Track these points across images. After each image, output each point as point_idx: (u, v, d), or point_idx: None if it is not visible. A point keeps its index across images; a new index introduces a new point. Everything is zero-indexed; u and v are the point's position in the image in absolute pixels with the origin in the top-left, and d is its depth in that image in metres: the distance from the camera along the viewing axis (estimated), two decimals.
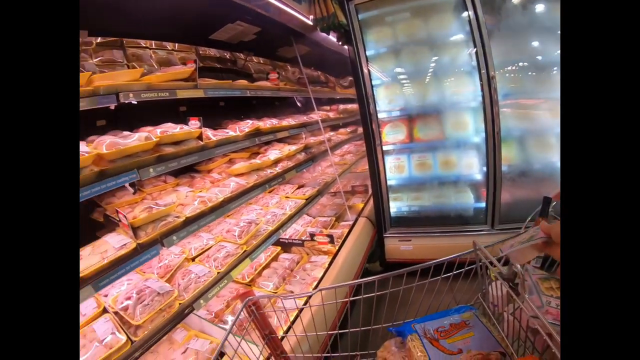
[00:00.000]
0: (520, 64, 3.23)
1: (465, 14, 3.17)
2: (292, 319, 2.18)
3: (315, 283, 2.77)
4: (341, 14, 3.37)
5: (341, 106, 5.99)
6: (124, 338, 1.71)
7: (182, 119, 2.31)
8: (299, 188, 3.85)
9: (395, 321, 1.30)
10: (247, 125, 2.82)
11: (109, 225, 2.04)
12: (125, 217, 1.74)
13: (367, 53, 3.52)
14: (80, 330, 1.84)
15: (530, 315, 0.86)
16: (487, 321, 1.15)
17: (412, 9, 3.44)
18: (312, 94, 3.96)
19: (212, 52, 3.75)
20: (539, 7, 3.03)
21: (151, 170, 1.85)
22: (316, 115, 4.05)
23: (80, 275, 1.53)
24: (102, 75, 1.82)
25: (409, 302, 1.33)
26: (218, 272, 2.22)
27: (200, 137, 2.25)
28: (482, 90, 3.22)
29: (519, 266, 0.88)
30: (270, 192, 3.80)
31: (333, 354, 1.38)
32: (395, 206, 3.97)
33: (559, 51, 2.97)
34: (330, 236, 3.14)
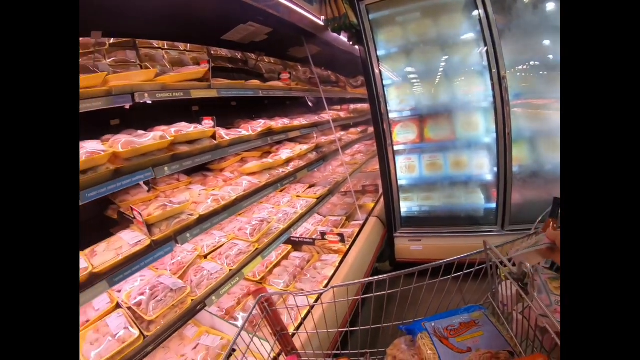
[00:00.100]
0: (532, 63, 3.20)
1: (475, 13, 3.16)
2: (303, 315, 2.20)
3: (325, 282, 2.79)
4: (352, 15, 3.38)
5: (352, 106, 6.00)
6: (136, 333, 1.74)
7: (194, 119, 2.34)
8: (310, 187, 3.87)
9: (405, 320, 1.31)
10: (259, 125, 2.85)
11: (123, 222, 2.08)
12: (140, 214, 1.77)
13: (378, 53, 3.53)
14: (94, 325, 1.88)
15: (539, 313, 0.87)
16: (496, 321, 1.16)
17: (423, 9, 3.44)
18: (324, 93, 3.97)
19: (224, 52, 3.78)
20: (550, 6, 3.00)
21: (166, 168, 1.88)
22: (327, 115, 4.07)
23: (95, 270, 1.57)
24: (118, 76, 1.86)
25: (419, 301, 1.34)
26: (230, 270, 2.24)
27: (214, 137, 2.28)
28: (493, 90, 3.21)
29: (528, 265, 0.89)
30: (281, 191, 3.82)
31: (343, 352, 1.39)
32: (406, 206, 3.97)
33: None
34: (341, 235, 3.16)
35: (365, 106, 5.50)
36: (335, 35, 3.85)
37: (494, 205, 3.57)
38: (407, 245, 3.85)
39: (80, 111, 1.54)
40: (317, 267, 3.06)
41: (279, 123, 3.16)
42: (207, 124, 2.28)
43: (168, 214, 1.93)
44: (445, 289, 1.31)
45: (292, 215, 3.03)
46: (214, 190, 2.48)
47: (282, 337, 1.39)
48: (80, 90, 1.56)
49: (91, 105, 1.60)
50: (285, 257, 3.24)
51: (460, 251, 1.21)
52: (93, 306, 2.04)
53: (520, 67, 3.24)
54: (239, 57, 3.92)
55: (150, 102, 1.93)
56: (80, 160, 1.51)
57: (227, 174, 2.85)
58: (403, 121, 3.77)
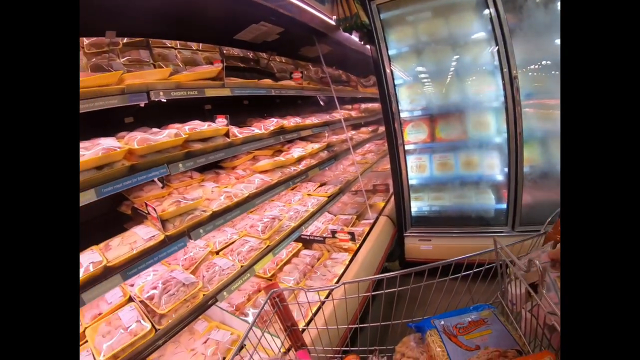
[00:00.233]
0: (543, 62, 3.17)
1: (486, 12, 3.15)
2: (313, 311, 2.22)
3: (335, 279, 2.81)
4: (363, 14, 3.39)
5: (363, 105, 5.99)
6: (148, 326, 1.78)
7: (207, 117, 2.37)
8: (321, 186, 3.88)
9: (414, 318, 1.32)
10: (272, 124, 2.87)
11: (137, 217, 2.11)
12: (154, 209, 1.80)
13: (389, 52, 3.54)
14: (106, 318, 1.93)
15: (548, 311, 0.88)
16: (505, 320, 1.16)
17: (434, 8, 3.43)
18: (335, 93, 3.98)
19: (236, 51, 3.80)
20: None
21: (180, 165, 1.91)
22: (338, 114, 4.08)
23: (110, 264, 1.61)
24: (133, 74, 1.89)
25: (428, 300, 1.35)
26: (242, 266, 2.27)
27: (227, 135, 2.31)
28: (505, 89, 3.20)
29: (537, 263, 0.90)
30: (292, 189, 3.85)
31: (352, 348, 1.41)
32: (416, 206, 3.98)
33: None
34: (352, 233, 3.17)
35: (376, 105, 5.50)
36: (347, 34, 3.86)
37: (504, 205, 3.56)
38: (417, 245, 3.85)
39: (96, 109, 1.58)
40: (327, 265, 3.08)
41: (291, 122, 3.19)
42: (221, 122, 2.31)
43: (182, 210, 1.97)
44: (455, 289, 1.32)
45: (303, 213, 3.04)
46: (226, 187, 2.51)
47: (293, 333, 1.41)
48: (97, 89, 1.60)
49: (107, 103, 1.63)
50: (296, 254, 3.26)
51: (470, 251, 1.22)
52: (106, 299, 2.08)
53: (532, 67, 3.22)
54: (250, 56, 3.95)
55: (165, 101, 1.96)
56: (97, 156, 1.55)
57: (240, 171, 2.88)
58: (414, 121, 3.77)
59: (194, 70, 2.32)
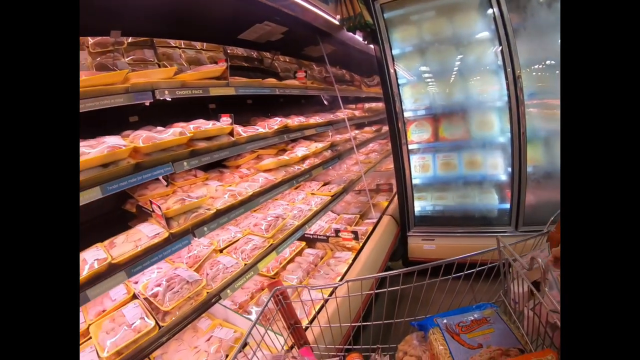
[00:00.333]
0: (547, 62, 3.16)
1: (490, 11, 3.13)
2: (316, 310, 2.23)
3: (338, 278, 2.81)
4: (367, 14, 3.38)
5: (366, 105, 6.00)
6: (152, 323, 1.78)
7: (211, 116, 2.38)
8: (324, 185, 3.89)
9: (416, 317, 1.32)
10: (276, 123, 2.88)
11: (141, 215, 2.13)
12: (159, 207, 1.81)
13: (393, 52, 3.53)
14: (110, 314, 1.94)
15: (550, 309, 0.88)
16: (507, 319, 1.17)
17: (437, 8, 3.43)
18: (339, 92, 3.99)
19: (240, 51, 3.82)
20: None
21: (185, 163, 1.92)
22: (342, 114, 4.08)
23: (115, 261, 1.62)
24: (138, 73, 1.90)
25: (431, 299, 1.36)
26: (245, 264, 2.28)
27: (231, 133, 2.32)
28: (508, 89, 3.18)
29: (540, 261, 0.90)
30: (296, 188, 3.86)
31: (355, 346, 1.41)
32: (420, 205, 3.97)
33: None
34: (355, 232, 3.18)
35: (380, 105, 5.49)
36: (350, 34, 3.86)
37: (507, 205, 3.55)
38: (420, 245, 3.85)
39: (102, 107, 1.60)
40: (331, 263, 3.09)
41: (295, 121, 3.19)
42: (225, 121, 2.32)
43: (186, 208, 1.98)
44: (457, 288, 1.32)
45: (306, 212, 3.05)
46: (230, 186, 2.52)
47: (296, 330, 1.41)
48: (102, 87, 1.61)
49: (113, 101, 1.64)
50: (299, 253, 3.26)
51: (473, 251, 1.23)
52: (110, 296, 2.10)
53: (536, 67, 3.21)
54: (254, 55, 3.96)
55: (170, 99, 1.97)
56: (102, 154, 1.56)
57: (244, 170, 2.89)
58: (418, 120, 3.77)
59: (198, 70, 2.33)
